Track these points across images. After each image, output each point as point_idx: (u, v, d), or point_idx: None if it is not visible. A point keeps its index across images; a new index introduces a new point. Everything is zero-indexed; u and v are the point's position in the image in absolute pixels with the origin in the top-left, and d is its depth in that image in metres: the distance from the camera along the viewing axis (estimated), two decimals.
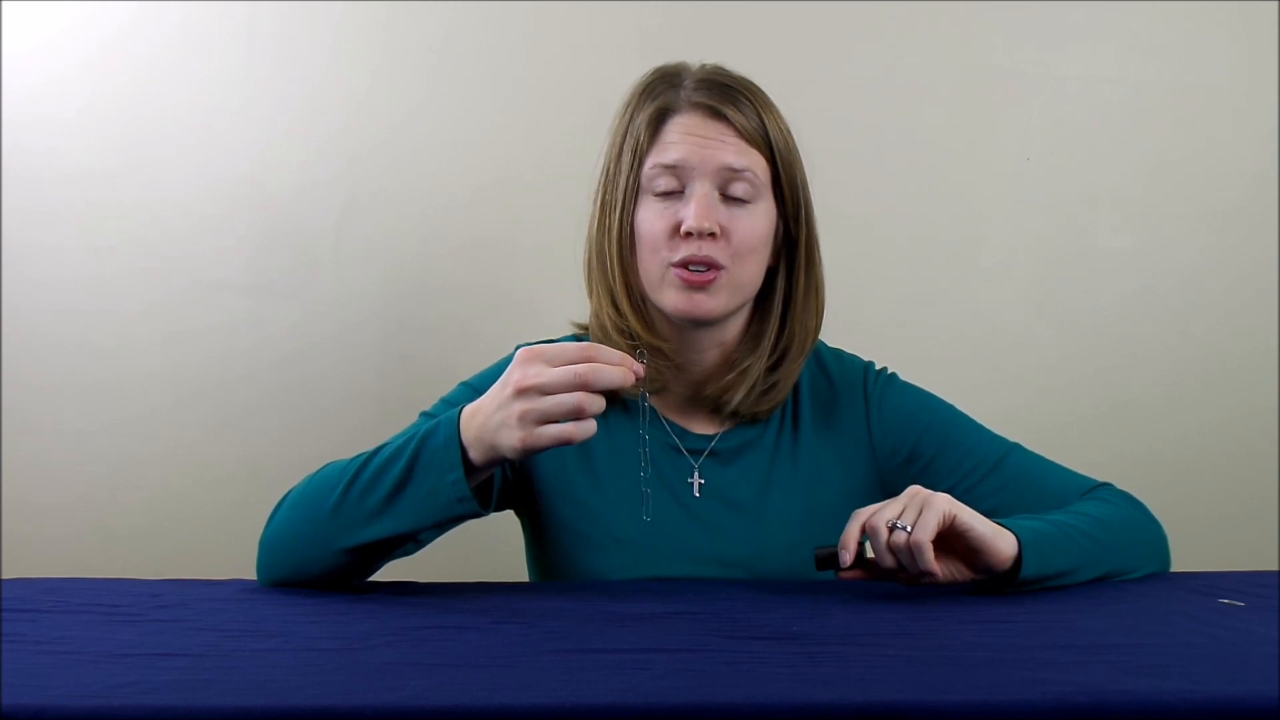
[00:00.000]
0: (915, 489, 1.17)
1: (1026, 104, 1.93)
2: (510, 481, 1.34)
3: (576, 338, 1.39)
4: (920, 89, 1.91)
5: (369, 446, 1.20)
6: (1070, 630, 1.02)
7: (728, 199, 1.30)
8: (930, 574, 1.15)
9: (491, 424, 1.10)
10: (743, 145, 1.30)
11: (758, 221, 1.31)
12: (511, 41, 1.86)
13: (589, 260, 1.36)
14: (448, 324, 1.87)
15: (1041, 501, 1.30)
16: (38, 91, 1.82)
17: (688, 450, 1.36)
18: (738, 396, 1.34)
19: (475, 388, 1.31)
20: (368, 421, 1.80)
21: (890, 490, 1.26)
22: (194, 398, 1.84)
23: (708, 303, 1.29)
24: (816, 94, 1.87)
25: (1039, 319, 1.93)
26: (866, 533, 1.16)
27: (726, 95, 1.31)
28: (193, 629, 1.01)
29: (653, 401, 1.37)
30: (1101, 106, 1.93)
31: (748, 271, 1.32)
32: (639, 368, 1.10)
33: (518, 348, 1.15)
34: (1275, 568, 1.55)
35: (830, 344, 1.44)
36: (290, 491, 1.25)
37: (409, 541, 1.19)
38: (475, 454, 1.12)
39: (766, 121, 1.31)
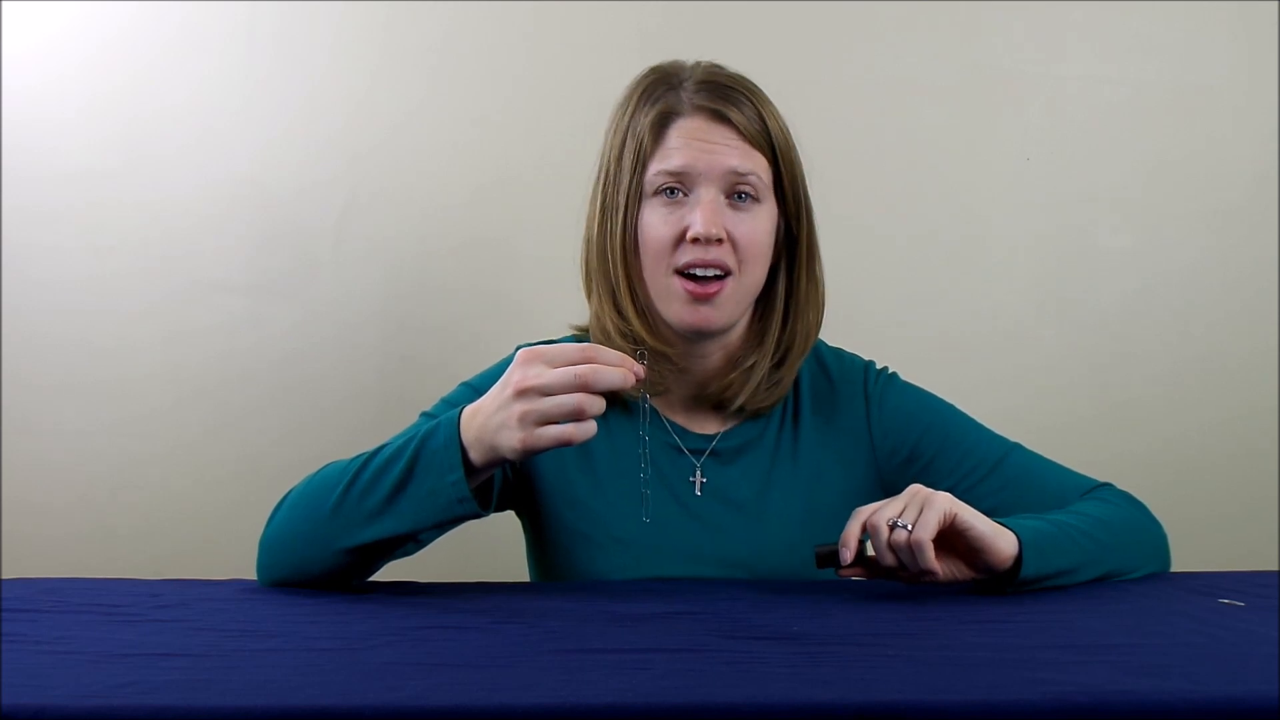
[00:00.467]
0: (916, 487, 1.17)
1: (1026, 104, 1.93)
2: (510, 482, 1.34)
3: (576, 339, 1.39)
4: (920, 89, 1.91)
5: (369, 446, 1.20)
6: (1070, 630, 1.02)
7: (732, 202, 1.30)
8: (931, 573, 1.15)
9: (492, 425, 1.10)
10: (746, 148, 1.30)
11: (762, 224, 1.31)
12: (511, 41, 1.86)
13: (588, 263, 1.36)
14: (448, 324, 1.87)
15: (1042, 501, 1.30)
16: (38, 91, 1.82)
17: (689, 450, 1.36)
18: (743, 394, 1.34)
19: (476, 388, 1.31)
20: (368, 421, 1.80)
21: (890, 490, 1.26)
22: (194, 398, 1.84)
23: (713, 315, 1.29)
24: (816, 94, 1.87)
25: (1039, 319, 1.93)
26: (867, 531, 1.16)
27: (728, 97, 1.30)
28: (193, 629, 1.01)
29: (654, 401, 1.37)
30: (1101, 106, 1.93)
31: (754, 276, 1.32)
32: (639, 369, 1.10)
33: (518, 348, 1.14)
34: (1275, 568, 1.55)
35: (830, 344, 1.44)
36: (290, 492, 1.25)
37: (409, 541, 1.19)
38: (475, 455, 1.12)
39: (767, 121, 1.31)
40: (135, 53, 1.83)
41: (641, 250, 1.31)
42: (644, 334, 1.32)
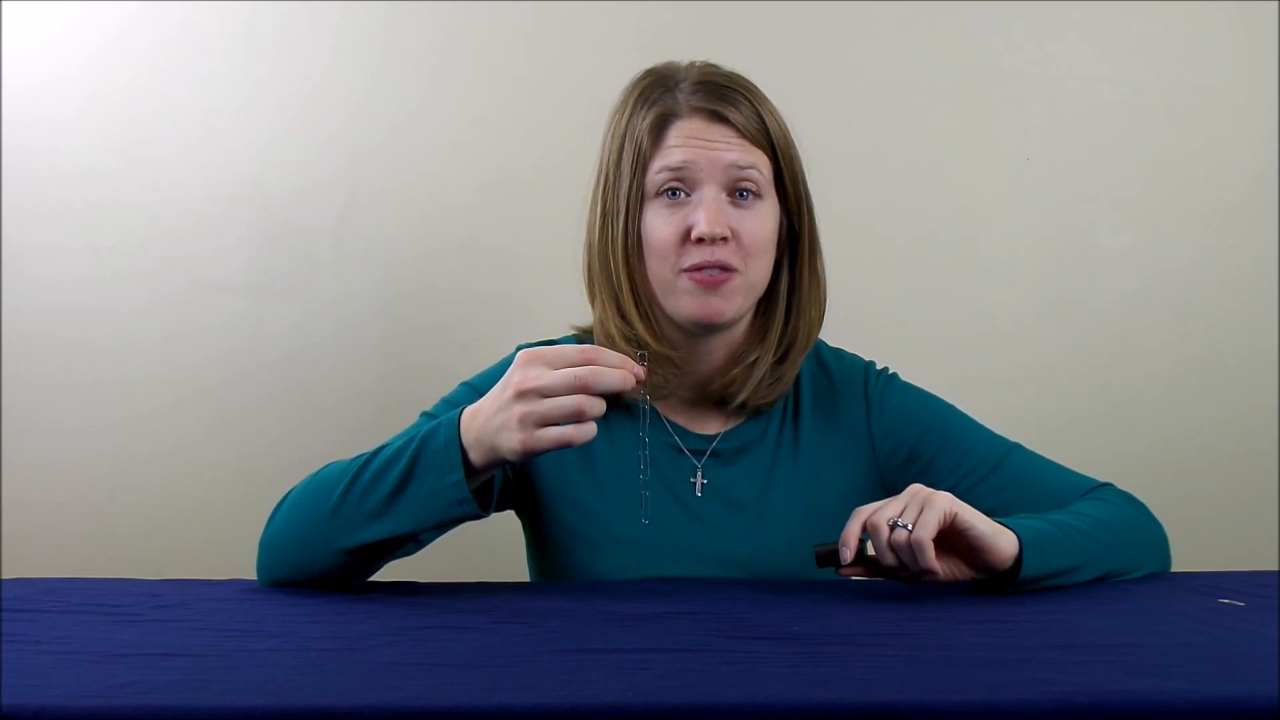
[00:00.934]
0: (916, 487, 1.18)
1: (1026, 104, 1.93)
2: (511, 482, 1.34)
3: (577, 339, 1.39)
4: (920, 89, 1.91)
5: (369, 446, 1.20)
6: (1070, 630, 1.02)
7: (735, 201, 1.30)
8: (931, 572, 1.15)
9: (492, 426, 1.10)
10: (746, 145, 1.30)
11: (765, 221, 1.31)
12: (511, 41, 1.86)
13: (590, 268, 1.36)
14: (448, 323, 1.87)
15: (1042, 501, 1.31)
16: (38, 91, 1.82)
17: (689, 451, 1.36)
18: (745, 390, 1.34)
19: (476, 388, 1.31)
20: (368, 422, 1.80)
21: (890, 490, 1.26)
22: (194, 398, 1.84)
23: (722, 305, 1.29)
24: (816, 94, 1.87)
25: (1039, 319, 1.93)
26: (867, 530, 1.16)
27: (725, 97, 1.30)
28: (193, 629, 1.01)
29: (655, 402, 1.37)
30: (1101, 106, 1.93)
31: (760, 272, 1.32)
32: (640, 371, 1.10)
33: (519, 348, 1.14)
34: (1275, 568, 1.55)
35: (831, 344, 1.44)
36: (290, 492, 1.25)
37: (409, 542, 1.19)
38: (475, 456, 1.12)
39: (766, 119, 1.31)
40: (135, 53, 1.83)
41: (646, 252, 1.31)
42: (647, 337, 1.32)
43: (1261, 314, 1.94)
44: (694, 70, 1.34)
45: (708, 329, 1.32)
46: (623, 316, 1.33)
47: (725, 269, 1.28)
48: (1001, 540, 1.16)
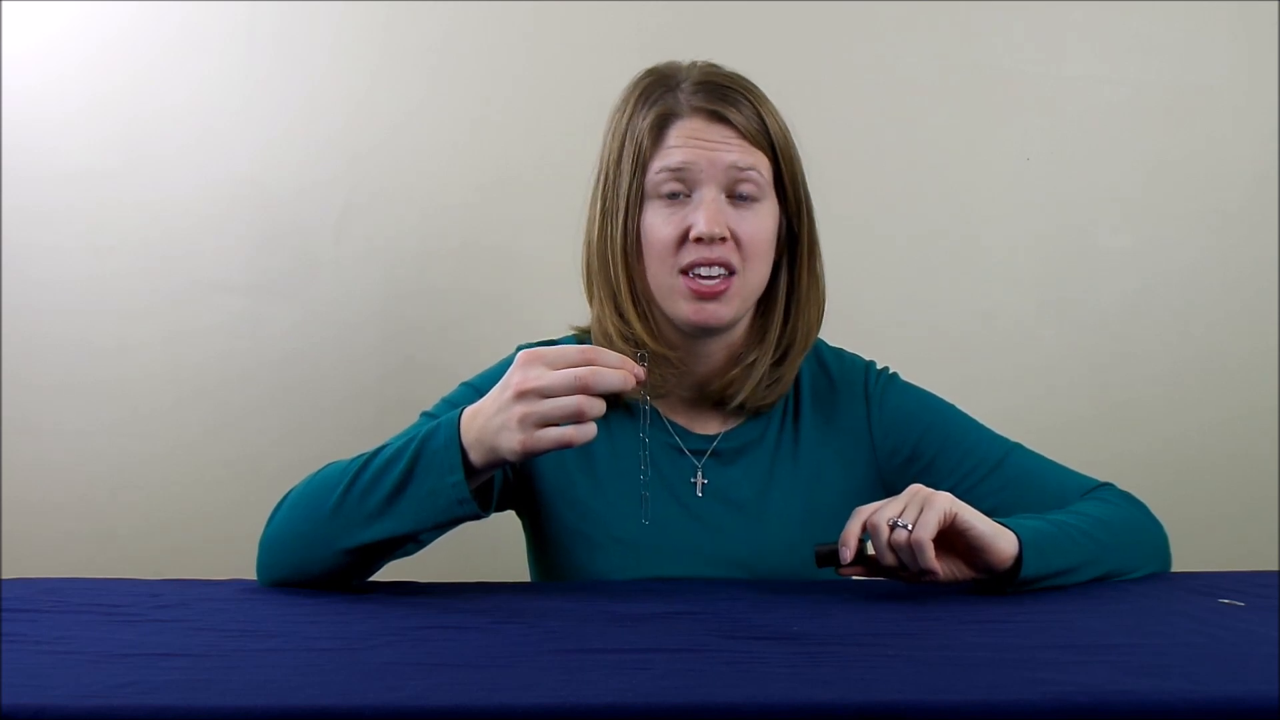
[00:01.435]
0: (916, 487, 1.18)
1: (1026, 104, 1.93)
2: (511, 482, 1.34)
3: (577, 339, 1.39)
4: (920, 89, 1.91)
5: (369, 446, 1.20)
6: (1070, 630, 1.02)
7: (734, 201, 1.30)
8: (931, 572, 1.15)
9: (492, 426, 1.10)
10: (746, 146, 1.30)
11: (765, 222, 1.31)
12: (511, 41, 1.86)
13: (588, 267, 1.36)
14: (448, 323, 1.87)
15: (1042, 501, 1.31)
16: (38, 91, 1.82)
17: (690, 451, 1.36)
18: (744, 391, 1.34)
19: (476, 388, 1.31)
20: (368, 421, 1.80)
21: (891, 490, 1.26)
22: (194, 398, 1.84)
23: (720, 311, 1.29)
24: (816, 94, 1.87)
25: (1039, 319, 1.93)
26: (867, 530, 1.16)
27: (726, 97, 1.30)
28: (193, 629, 1.01)
29: (655, 402, 1.37)
30: (1101, 106, 1.93)
31: (758, 274, 1.32)
32: (640, 371, 1.10)
33: (519, 348, 1.14)
34: (1275, 568, 1.55)
35: (831, 344, 1.44)
36: (290, 492, 1.25)
37: (409, 542, 1.19)
38: (475, 456, 1.12)
39: (766, 119, 1.31)
40: (135, 53, 1.83)
41: (645, 252, 1.31)
42: (645, 337, 1.32)
43: (1261, 314, 1.94)
44: (695, 70, 1.34)
45: (705, 332, 1.32)
46: (621, 316, 1.33)
47: (724, 268, 1.28)
48: (1001, 540, 1.16)
